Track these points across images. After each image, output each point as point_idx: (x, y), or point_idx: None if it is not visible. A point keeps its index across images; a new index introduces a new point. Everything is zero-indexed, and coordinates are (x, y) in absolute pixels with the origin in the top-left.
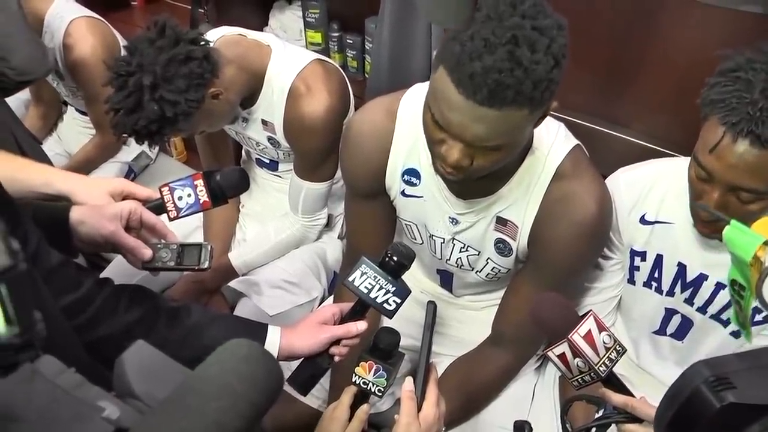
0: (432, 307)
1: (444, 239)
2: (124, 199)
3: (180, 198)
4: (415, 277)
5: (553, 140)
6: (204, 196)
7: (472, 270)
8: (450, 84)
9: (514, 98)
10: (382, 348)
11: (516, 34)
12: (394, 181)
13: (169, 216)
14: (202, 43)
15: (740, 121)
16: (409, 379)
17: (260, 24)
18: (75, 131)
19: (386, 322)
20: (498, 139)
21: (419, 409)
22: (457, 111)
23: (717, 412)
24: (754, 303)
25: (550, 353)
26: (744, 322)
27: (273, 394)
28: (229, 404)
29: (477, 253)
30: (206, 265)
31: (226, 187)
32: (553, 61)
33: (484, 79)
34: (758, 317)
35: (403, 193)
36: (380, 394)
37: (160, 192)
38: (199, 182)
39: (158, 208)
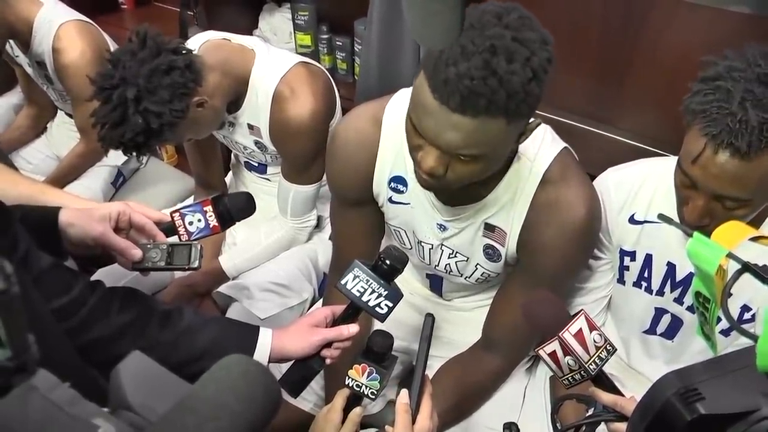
0: (430, 320)
1: (432, 245)
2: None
3: (191, 223)
4: (405, 279)
5: (539, 144)
6: (213, 221)
7: (461, 276)
8: (427, 89)
9: (487, 107)
10: (376, 351)
11: (495, 43)
12: (381, 189)
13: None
14: (184, 52)
15: (720, 132)
16: (405, 392)
17: (250, 26)
18: (65, 135)
19: (378, 325)
20: (473, 149)
21: (413, 421)
22: (431, 116)
23: (688, 424)
24: (719, 314)
25: (541, 351)
26: (709, 335)
27: (271, 412)
28: (226, 424)
29: (465, 259)
30: (196, 264)
31: (234, 210)
32: (530, 73)
33: (456, 85)
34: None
35: (390, 200)
36: (373, 397)
37: (172, 218)
38: (209, 208)
39: (169, 231)
